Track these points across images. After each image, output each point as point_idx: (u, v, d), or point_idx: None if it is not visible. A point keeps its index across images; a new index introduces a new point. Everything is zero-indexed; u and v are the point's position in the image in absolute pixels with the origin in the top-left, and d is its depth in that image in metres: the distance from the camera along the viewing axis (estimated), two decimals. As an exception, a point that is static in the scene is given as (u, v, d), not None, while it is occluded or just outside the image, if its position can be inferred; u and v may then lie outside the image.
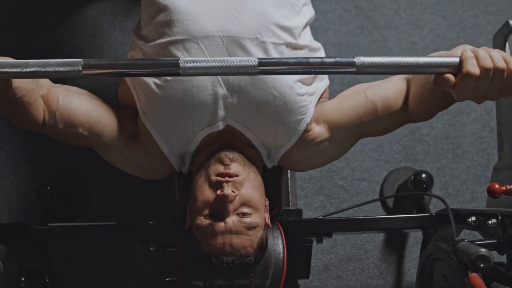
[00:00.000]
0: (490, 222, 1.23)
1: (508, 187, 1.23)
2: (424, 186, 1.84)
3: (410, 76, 1.31)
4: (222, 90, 1.25)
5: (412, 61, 1.01)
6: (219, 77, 1.25)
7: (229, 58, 1.01)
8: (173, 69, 1.01)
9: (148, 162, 1.36)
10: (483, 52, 1.02)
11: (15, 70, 1.00)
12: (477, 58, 1.01)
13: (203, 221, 1.20)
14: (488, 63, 1.00)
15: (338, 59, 1.01)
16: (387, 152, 2.06)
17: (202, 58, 1.02)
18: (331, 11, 2.15)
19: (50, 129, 1.27)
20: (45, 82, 1.26)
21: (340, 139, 1.35)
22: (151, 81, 1.26)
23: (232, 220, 1.18)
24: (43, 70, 1.00)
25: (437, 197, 1.47)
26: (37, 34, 2.07)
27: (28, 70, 1.00)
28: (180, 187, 1.50)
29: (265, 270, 1.26)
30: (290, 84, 1.27)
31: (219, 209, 1.18)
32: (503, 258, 1.24)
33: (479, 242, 1.20)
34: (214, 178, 1.22)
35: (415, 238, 2.00)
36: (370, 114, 1.31)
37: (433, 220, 1.55)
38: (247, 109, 1.27)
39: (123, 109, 1.38)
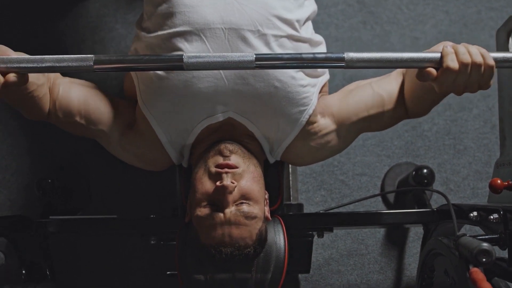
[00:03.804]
0: (491, 217, 1.23)
1: (510, 182, 1.23)
2: (425, 181, 1.84)
3: (404, 70, 1.35)
4: (223, 82, 1.25)
5: (398, 56, 1.07)
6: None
7: (229, 54, 1.08)
8: (177, 64, 1.07)
9: (145, 152, 1.37)
10: (462, 48, 1.09)
11: (31, 65, 1.06)
12: (456, 54, 1.07)
13: (202, 211, 1.20)
14: (467, 58, 1.07)
15: (328, 55, 1.08)
16: (388, 147, 2.06)
17: (204, 54, 1.08)
18: (333, 5, 2.14)
19: (53, 118, 1.34)
20: (53, 74, 1.31)
21: (345, 131, 1.36)
22: (152, 72, 1.27)
23: (231, 211, 1.18)
24: (57, 65, 1.06)
25: (439, 192, 1.47)
26: (39, 26, 2.07)
27: (44, 65, 1.06)
28: (181, 180, 1.49)
29: (266, 264, 1.26)
30: (292, 75, 1.27)
31: (219, 200, 1.19)
32: (504, 254, 1.24)
33: (481, 237, 1.20)
34: (213, 169, 1.22)
35: (415, 233, 2.00)
36: (377, 107, 1.34)
37: (434, 215, 1.55)
38: (249, 101, 1.27)
39: (124, 99, 1.41)
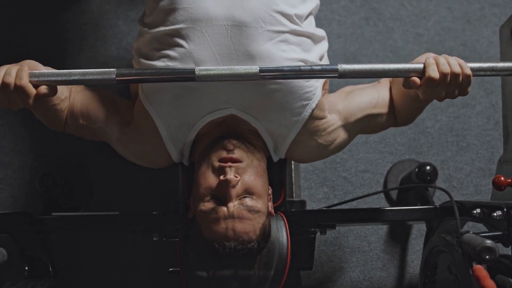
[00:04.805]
0: (495, 214, 1.23)
1: (513, 179, 1.23)
2: (428, 178, 1.83)
3: (391, 80, 1.44)
4: None
5: (385, 67, 1.19)
6: (221, 64, 1.25)
7: (235, 67, 1.18)
8: (189, 76, 1.17)
9: (145, 149, 1.37)
10: (442, 59, 1.19)
11: (60, 78, 1.17)
12: (437, 64, 1.18)
13: (206, 206, 1.19)
14: (446, 69, 1.18)
15: (324, 67, 1.21)
16: (391, 144, 2.05)
17: (213, 67, 1.18)
18: (336, 1, 2.14)
19: (67, 128, 1.40)
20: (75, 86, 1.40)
21: (349, 127, 1.38)
22: (155, 65, 1.27)
23: (234, 205, 1.18)
24: (83, 78, 1.17)
25: (441, 189, 1.47)
26: (41, 23, 2.07)
27: (71, 78, 1.17)
28: (184, 177, 1.49)
29: (269, 260, 1.26)
30: None
31: (222, 194, 1.18)
32: (508, 251, 1.23)
33: (484, 234, 1.20)
34: (217, 163, 1.22)
35: (418, 230, 1.99)
36: (381, 107, 1.39)
37: (437, 212, 1.55)
38: (252, 97, 1.27)
39: (123, 98, 1.42)
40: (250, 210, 1.18)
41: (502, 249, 1.16)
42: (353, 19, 2.13)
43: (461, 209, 1.38)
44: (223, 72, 1.17)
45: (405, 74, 1.20)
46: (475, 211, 1.32)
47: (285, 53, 1.27)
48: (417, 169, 1.85)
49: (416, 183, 1.86)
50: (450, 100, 2.06)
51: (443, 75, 1.17)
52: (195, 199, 1.25)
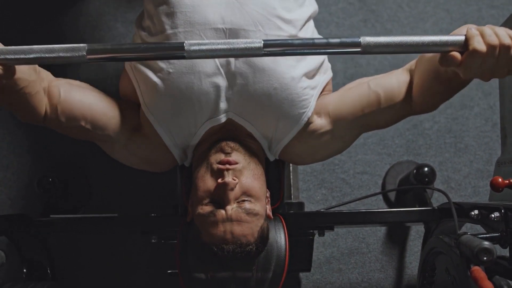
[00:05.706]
0: (493, 215, 1.23)
1: (511, 180, 1.23)
2: (426, 179, 1.84)
3: (413, 67, 1.31)
4: (223, 83, 1.25)
5: (418, 40, 1.00)
6: (221, 69, 1.24)
7: (235, 40, 1.00)
8: (178, 52, 1.00)
9: (151, 154, 1.36)
10: (488, 29, 1.01)
11: (18, 56, 0.98)
12: (482, 36, 1.00)
13: (204, 209, 1.19)
14: (494, 40, 1.00)
15: (343, 40, 1.00)
16: (389, 146, 2.06)
17: (207, 41, 1.01)
18: (334, 3, 2.14)
19: (52, 122, 1.28)
20: (47, 74, 1.28)
21: (342, 131, 1.33)
22: (152, 74, 1.26)
23: (232, 208, 1.18)
24: (47, 56, 0.98)
25: (440, 190, 1.47)
26: (39, 25, 2.07)
27: (32, 56, 0.98)
28: (182, 179, 1.49)
29: (267, 262, 1.26)
30: (292, 76, 1.26)
31: (220, 197, 1.18)
32: (505, 252, 1.23)
33: (482, 236, 1.20)
34: (215, 166, 1.22)
35: (416, 232, 1.99)
36: (373, 105, 1.30)
37: (435, 214, 1.55)
38: (248, 102, 1.27)
39: (125, 102, 1.38)
40: (248, 213, 1.18)
41: (500, 251, 1.16)
42: (351, 21, 2.14)
43: (459, 210, 1.38)
44: (219, 46, 0.99)
45: (442, 49, 1.00)
46: (473, 213, 1.32)
47: (283, 59, 1.26)
48: (415, 171, 1.86)
49: (414, 184, 1.86)
50: (448, 101, 2.05)
51: (490, 47, 0.99)
52: (194, 202, 1.25)
